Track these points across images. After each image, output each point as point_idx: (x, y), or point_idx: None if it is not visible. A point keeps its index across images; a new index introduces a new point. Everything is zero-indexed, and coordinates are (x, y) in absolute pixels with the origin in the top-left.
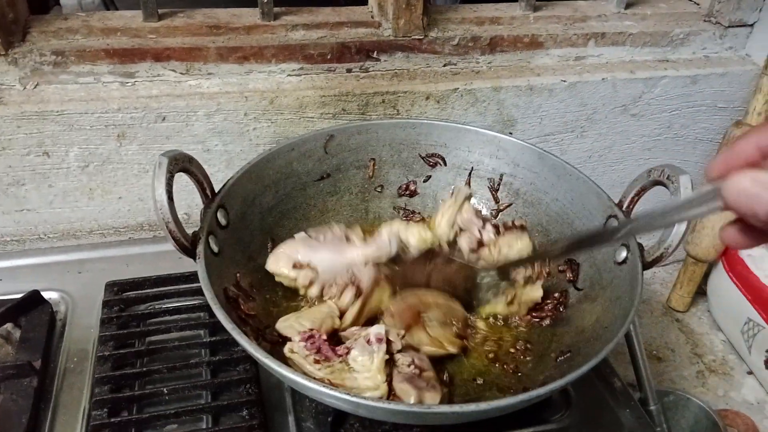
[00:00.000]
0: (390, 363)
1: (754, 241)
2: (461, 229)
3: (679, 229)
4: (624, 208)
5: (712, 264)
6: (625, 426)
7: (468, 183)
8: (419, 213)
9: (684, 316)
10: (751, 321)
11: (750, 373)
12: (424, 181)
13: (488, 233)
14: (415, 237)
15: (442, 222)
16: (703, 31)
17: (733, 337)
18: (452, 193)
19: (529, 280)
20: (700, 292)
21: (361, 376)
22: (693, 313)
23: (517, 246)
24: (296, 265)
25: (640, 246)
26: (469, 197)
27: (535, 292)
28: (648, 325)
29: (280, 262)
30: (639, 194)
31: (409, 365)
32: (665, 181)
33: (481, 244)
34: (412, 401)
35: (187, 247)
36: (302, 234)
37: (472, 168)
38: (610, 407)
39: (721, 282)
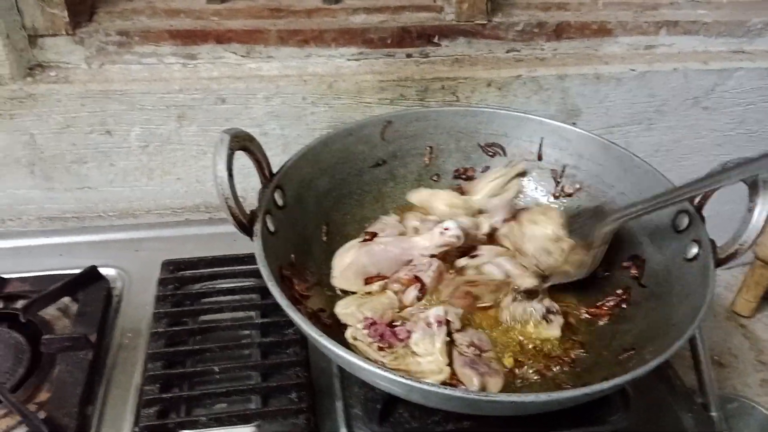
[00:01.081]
0: (451, 344)
1: None
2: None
3: (757, 223)
4: (695, 203)
5: None
6: (687, 430)
7: (539, 157)
8: None
9: (749, 321)
10: None
11: None
12: (482, 171)
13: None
14: (443, 202)
15: (485, 188)
16: None
17: None
18: (507, 164)
19: (546, 317)
20: (767, 298)
21: (425, 360)
22: (759, 319)
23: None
24: (368, 281)
25: (712, 242)
26: (523, 173)
27: (552, 332)
28: (710, 330)
29: (350, 281)
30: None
31: (468, 346)
32: None
33: (491, 236)
34: (475, 386)
35: (245, 224)
36: (355, 242)
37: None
38: (671, 410)
39: None
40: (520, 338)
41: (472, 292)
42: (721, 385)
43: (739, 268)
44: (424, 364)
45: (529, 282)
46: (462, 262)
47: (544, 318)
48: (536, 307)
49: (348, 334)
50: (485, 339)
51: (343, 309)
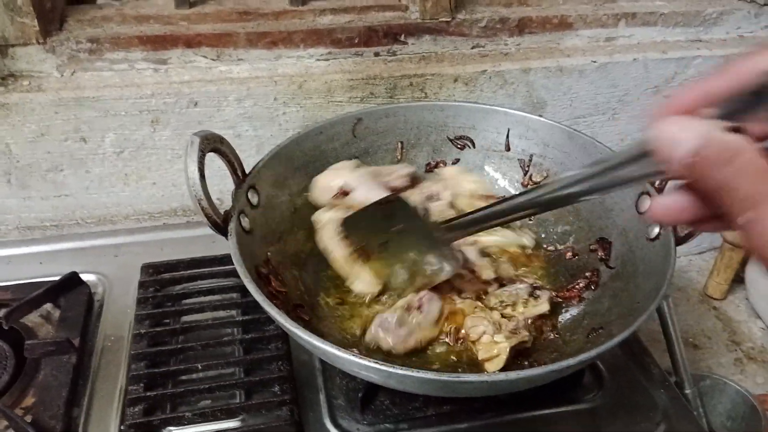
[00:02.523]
0: None
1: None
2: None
3: None
4: (656, 185)
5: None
6: (660, 407)
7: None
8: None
9: (721, 303)
10: None
11: None
12: (453, 164)
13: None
14: None
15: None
16: (737, 9)
17: None
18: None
19: (533, 294)
20: (738, 280)
21: None
22: (731, 301)
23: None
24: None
25: None
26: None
27: (541, 307)
28: (684, 313)
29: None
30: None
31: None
32: None
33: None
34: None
35: (219, 224)
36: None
37: (531, 156)
38: (644, 388)
39: (759, 268)
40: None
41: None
42: (696, 366)
43: (711, 252)
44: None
45: (487, 274)
46: None
47: (531, 295)
48: (521, 287)
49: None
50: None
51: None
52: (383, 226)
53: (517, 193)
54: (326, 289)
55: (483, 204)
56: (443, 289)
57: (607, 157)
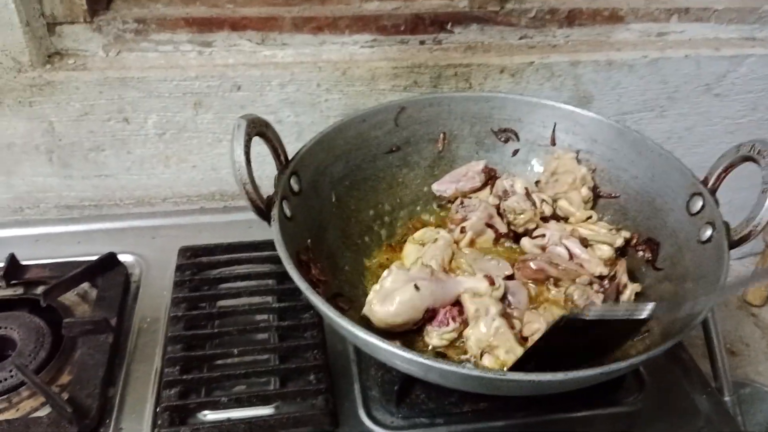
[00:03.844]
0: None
1: None
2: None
3: None
4: (709, 186)
5: None
6: (702, 413)
7: (552, 141)
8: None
9: (760, 310)
10: None
11: None
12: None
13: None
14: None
15: None
16: None
17: None
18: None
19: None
20: None
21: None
22: None
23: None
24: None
25: (726, 224)
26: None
27: None
28: (722, 319)
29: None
30: (726, 171)
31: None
32: (756, 156)
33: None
34: None
35: (262, 209)
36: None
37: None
38: (686, 393)
39: None
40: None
41: (546, 271)
42: (733, 372)
43: (751, 258)
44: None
45: (599, 270)
46: (525, 243)
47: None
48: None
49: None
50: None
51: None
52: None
53: None
54: (367, 279)
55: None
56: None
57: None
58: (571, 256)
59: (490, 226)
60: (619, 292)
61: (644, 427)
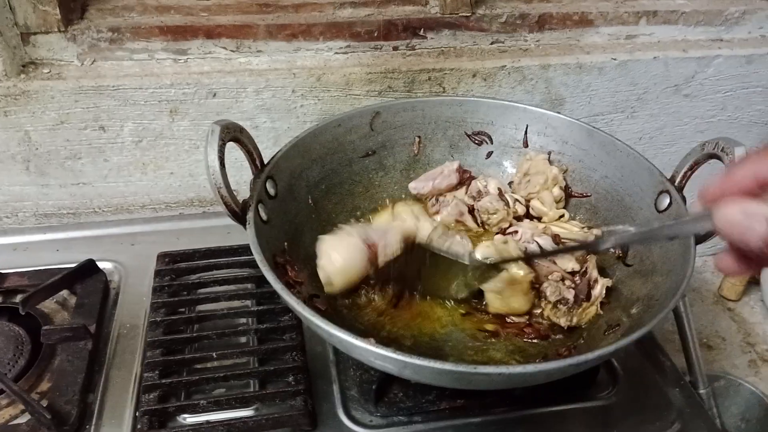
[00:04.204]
0: None
1: (748, 268)
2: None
3: None
4: (676, 183)
5: None
6: (675, 406)
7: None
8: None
9: (736, 305)
10: None
11: None
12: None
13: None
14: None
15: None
16: (760, 9)
17: None
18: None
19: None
20: (753, 281)
21: None
22: (745, 302)
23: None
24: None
25: None
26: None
27: (560, 319)
28: (699, 314)
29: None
30: (692, 168)
31: None
32: (720, 153)
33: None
34: None
35: (238, 213)
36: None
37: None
38: (659, 387)
39: None
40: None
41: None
42: (710, 367)
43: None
44: None
45: (570, 265)
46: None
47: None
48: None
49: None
50: None
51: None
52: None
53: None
54: None
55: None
56: None
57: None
58: None
59: (460, 222)
60: (590, 287)
61: (619, 420)
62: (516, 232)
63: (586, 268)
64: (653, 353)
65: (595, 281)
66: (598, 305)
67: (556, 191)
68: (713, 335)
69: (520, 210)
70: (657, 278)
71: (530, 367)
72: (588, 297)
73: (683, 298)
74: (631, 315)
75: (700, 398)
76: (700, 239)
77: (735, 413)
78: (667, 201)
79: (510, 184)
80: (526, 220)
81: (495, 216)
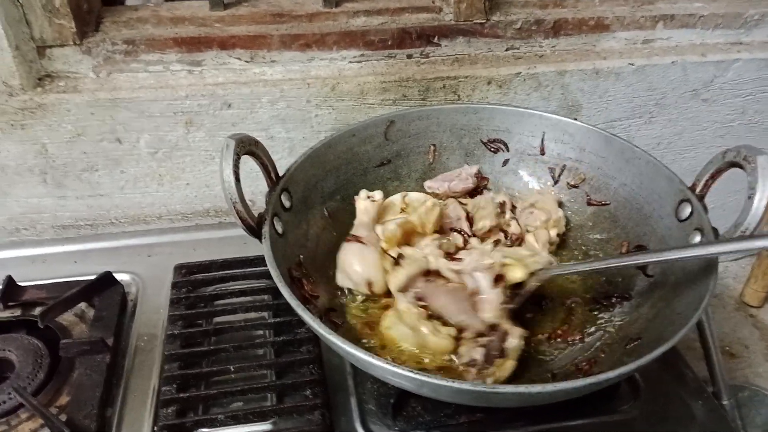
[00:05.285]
0: None
1: None
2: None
3: (758, 210)
4: (697, 192)
5: None
6: (698, 419)
7: (542, 151)
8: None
9: (758, 311)
10: None
11: None
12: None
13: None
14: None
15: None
16: None
17: None
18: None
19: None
20: None
21: None
22: None
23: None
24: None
25: (715, 230)
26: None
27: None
28: (720, 321)
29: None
30: (714, 177)
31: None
32: (741, 162)
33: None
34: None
35: (253, 227)
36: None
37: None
38: (682, 399)
39: None
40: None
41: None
42: (732, 375)
43: (747, 259)
44: None
45: (488, 315)
46: (441, 264)
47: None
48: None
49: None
50: None
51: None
52: None
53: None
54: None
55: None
56: None
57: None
58: (474, 292)
59: (454, 230)
60: (502, 341)
61: None
62: (461, 259)
63: (500, 322)
64: (675, 364)
65: (506, 333)
66: (515, 359)
67: (553, 233)
68: (736, 342)
69: (514, 228)
70: (679, 289)
71: (549, 387)
72: (502, 353)
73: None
74: (652, 327)
75: (724, 410)
76: None
77: (759, 424)
78: (689, 210)
79: (513, 208)
80: (485, 245)
81: (483, 211)
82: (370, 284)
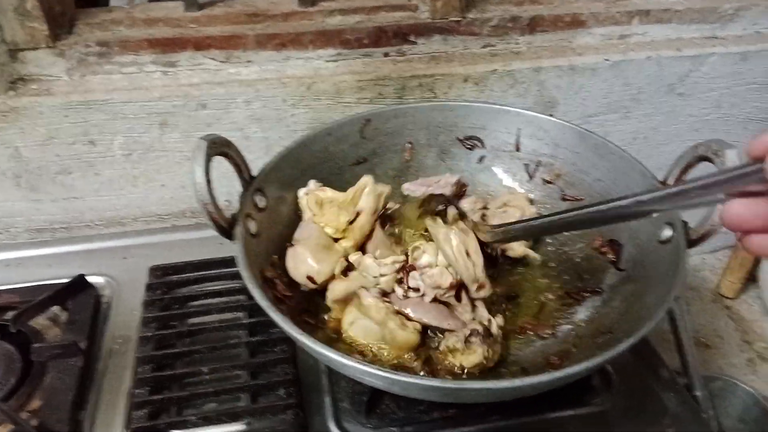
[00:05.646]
0: None
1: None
2: None
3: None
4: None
5: None
6: (670, 410)
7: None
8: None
9: (734, 303)
10: None
11: None
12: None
13: None
14: None
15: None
16: (754, 5)
17: None
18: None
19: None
20: (751, 279)
21: None
22: (743, 300)
23: None
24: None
25: (685, 224)
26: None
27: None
28: (697, 313)
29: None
30: (684, 171)
31: None
32: (711, 155)
33: None
34: None
35: (225, 228)
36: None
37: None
38: (654, 391)
39: None
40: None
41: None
42: (708, 366)
43: (724, 251)
44: None
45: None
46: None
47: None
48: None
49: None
50: None
51: None
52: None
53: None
54: None
55: None
56: None
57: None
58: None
59: None
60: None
61: (613, 427)
62: (417, 289)
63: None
64: (648, 356)
65: (489, 321)
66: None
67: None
68: (711, 334)
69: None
70: (649, 282)
71: (516, 382)
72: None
73: (677, 300)
74: (624, 321)
75: (696, 401)
76: (693, 242)
77: (732, 414)
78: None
79: (485, 209)
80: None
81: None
82: (311, 279)
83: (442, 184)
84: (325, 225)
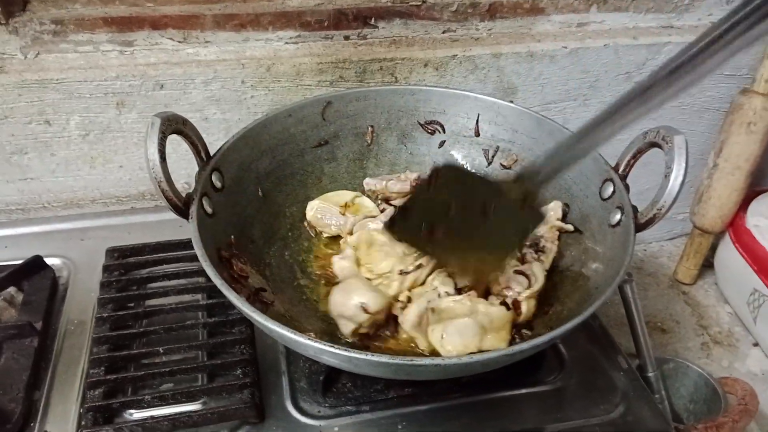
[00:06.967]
0: None
1: None
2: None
3: (672, 189)
4: (620, 172)
5: (719, 236)
6: (619, 389)
7: (476, 133)
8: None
9: (690, 288)
10: (757, 292)
11: (756, 344)
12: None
13: None
14: None
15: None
16: None
17: (739, 308)
18: None
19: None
20: (707, 265)
21: None
22: (700, 286)
23: None
24: None
25: (635, 208)
26: None
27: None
28: (654, 298)
29: None
30: (635, 157)
31: None
32: (660, 142)
33: None
34: None
35: (180, 207)
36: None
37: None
38: (605, 371)
39: (727, 253)
40: None
41: None
42: (663, 350)
43: (681, 238)
44: None
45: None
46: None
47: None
48: None
49: None
50: None
51: None
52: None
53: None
54: (302, 272)
55: None
56: None
57: None
58: None
59: None
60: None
61: (565, 404)
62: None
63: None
64: (600, 338)
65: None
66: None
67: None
68: (668, 319)
69: None
70: (600, 265)
71: (465, 359)
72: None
73: (630, 283)
74: (574, 302)
75: (648, 381)
76: (641, 226)
77: (684, 395)
78: (611, 189)
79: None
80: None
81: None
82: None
83: (402, 179)
84: (364, 265)
